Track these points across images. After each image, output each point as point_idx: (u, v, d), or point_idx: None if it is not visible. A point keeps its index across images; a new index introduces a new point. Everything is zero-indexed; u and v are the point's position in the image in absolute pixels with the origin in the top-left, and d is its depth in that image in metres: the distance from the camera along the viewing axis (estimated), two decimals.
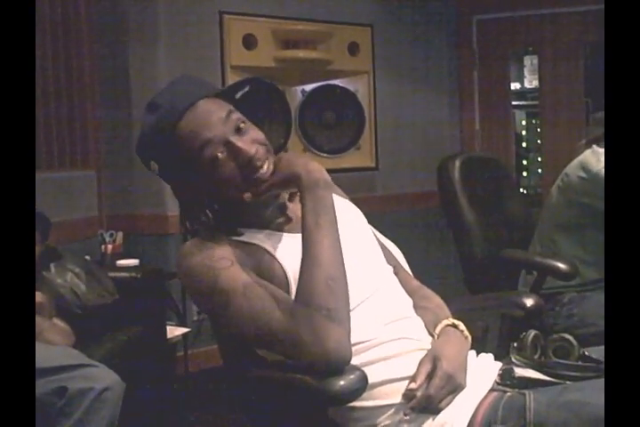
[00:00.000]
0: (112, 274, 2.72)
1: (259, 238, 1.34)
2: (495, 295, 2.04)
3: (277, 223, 1.38)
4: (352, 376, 1.18)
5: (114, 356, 2.38)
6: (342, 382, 1.17)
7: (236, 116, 1.32)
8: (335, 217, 1.29)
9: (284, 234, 1.37)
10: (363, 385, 1.20)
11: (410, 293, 1.48)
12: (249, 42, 3.46)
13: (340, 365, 1.19)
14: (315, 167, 1.30)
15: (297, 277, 1.26)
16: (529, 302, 1.76)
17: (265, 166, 1.30)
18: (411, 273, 1.58)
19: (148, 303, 2.76)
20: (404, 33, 4.04)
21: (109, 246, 3.18)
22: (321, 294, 1.19)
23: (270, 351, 1.28)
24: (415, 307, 1.46)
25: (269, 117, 3.53)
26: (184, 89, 1.34)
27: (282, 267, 1.31)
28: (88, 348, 2.24)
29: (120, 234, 3.23)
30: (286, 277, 1.30)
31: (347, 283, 1.24)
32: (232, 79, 3.42)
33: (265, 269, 1.30)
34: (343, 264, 1.25)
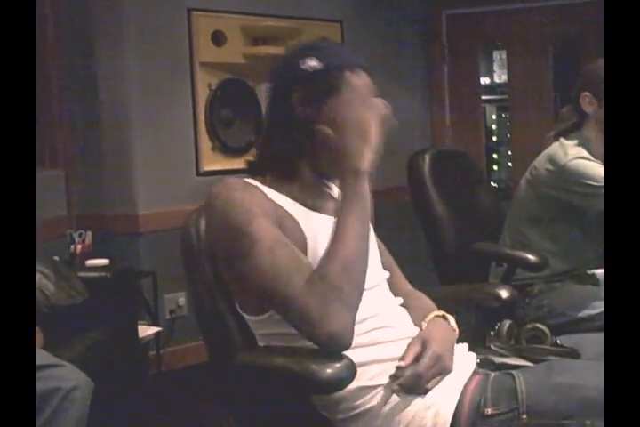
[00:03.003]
0: (82, 274, 2.68)
1: (294, 209, 1.34)
2: (469, 287, 2.04)
3: (315, 203, 1.39)
4: (339, 365, 1.18)
5: (85, 357, 2.34)
6: (330, 371, 1.16)
7: None
8: (367, 210, 1.27)
9: (317, 214, 1.37)
10: (350, 374, 1.19)
11: (403, 295, 1.50)
12: (218, 38, 3.44)
13: (340, 348, 1.19)
14: (359, 152, 1.27)
15: (316, 254, 1.26)
16: (504, 293, 1.76)
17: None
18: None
19: (119, 303, 2.73)
20: (374, 28, 4.04)
21: (79, 246, 3.13)
22: (336, 272, 1.19)
23: (277, 313, 1.26)
24: (406, 307, 1.47)
25: (240, 114, 3.53)
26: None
27: (305, 241, 1.30)
28: (58, 349, 2.19)
29: (89, 234, 3.19)
30: (306, 252, 1.29)
31: (364, 272, 1.24)
32: (201, 76, 3.41)
33: (289, 237, 1.28)
34: (366, 255, 1.25)
